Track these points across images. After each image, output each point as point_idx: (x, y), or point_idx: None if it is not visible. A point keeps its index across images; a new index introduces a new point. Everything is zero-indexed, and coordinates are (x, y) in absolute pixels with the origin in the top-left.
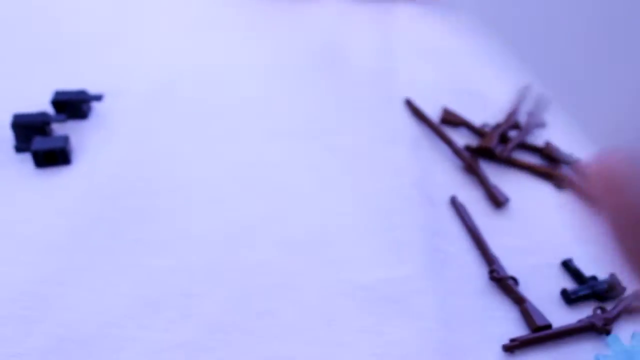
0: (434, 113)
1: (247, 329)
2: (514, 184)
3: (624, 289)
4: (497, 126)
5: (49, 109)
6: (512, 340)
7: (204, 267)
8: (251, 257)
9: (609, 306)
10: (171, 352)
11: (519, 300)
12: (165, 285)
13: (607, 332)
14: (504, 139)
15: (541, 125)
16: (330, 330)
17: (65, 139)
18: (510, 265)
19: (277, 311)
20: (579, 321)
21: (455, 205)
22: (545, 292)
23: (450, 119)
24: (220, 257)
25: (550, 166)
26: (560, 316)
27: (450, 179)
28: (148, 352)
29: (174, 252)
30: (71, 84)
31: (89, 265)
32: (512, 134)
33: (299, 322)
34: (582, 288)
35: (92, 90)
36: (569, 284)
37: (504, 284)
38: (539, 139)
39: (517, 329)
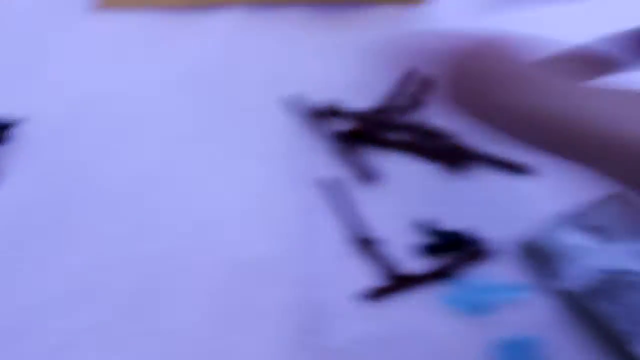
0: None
1: (149, 311)
2: (387, 162)
3: (477, 241)
4: (375, 110)
5: None
6: (374, 291)
7: (110, 261)
8: (154, 248)
9: (462, 255)
10: (80, 337)
11: (380, 259)
12: (77, 280)
13: (457, 276)
14: (379, 121)
15: (420, 104)
16: (221, 303)
17: None
18: (379, 231)
19: (177, 291)
20: (431, 268)
21: (328, 184)
22: (407, 249)
23: (331, 111)
24: (125, 250)
25: (425, 142)
26: (419, 269)
27: (323, 161)
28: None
29: (85, 250)
30: None
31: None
32: (389, 115)
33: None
34: (440, 241)
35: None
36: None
37: (368, 246)
38: (416, 117)
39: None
